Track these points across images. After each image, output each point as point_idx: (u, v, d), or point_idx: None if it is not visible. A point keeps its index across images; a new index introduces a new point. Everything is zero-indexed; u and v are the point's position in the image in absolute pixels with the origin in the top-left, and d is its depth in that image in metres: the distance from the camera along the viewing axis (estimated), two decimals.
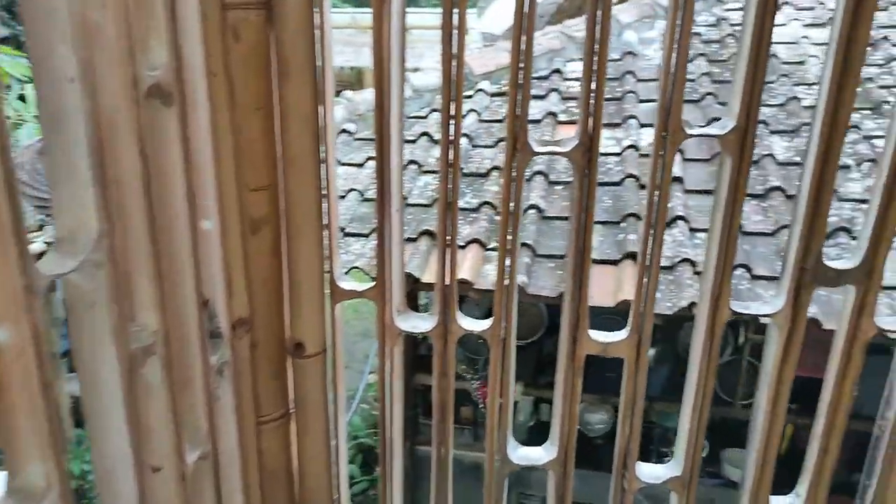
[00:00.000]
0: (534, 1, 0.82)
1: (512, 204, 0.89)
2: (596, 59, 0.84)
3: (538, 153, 0.89)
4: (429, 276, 2.48)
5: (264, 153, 0.90)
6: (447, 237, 0.93)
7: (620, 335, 0.95)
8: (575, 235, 0.91)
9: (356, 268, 2.54)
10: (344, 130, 3.29)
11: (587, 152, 0.87)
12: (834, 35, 0.79)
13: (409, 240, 2.67)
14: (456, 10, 0.83)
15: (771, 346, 0.93)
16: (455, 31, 0.85)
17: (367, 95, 3.61)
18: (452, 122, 0.87)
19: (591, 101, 0.87)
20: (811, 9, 4.44)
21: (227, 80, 0.83)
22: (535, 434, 4.03)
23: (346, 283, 0.97)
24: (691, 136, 0.85)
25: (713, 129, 0.85)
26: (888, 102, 3.47)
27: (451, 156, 0.88)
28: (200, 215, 0.80)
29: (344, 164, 3.15)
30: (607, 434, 4.08)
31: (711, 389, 0.95)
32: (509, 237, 0.91)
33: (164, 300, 0.71)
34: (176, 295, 0.74)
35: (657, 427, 4.04)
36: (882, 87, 3.60)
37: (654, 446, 4.08)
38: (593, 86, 0.86)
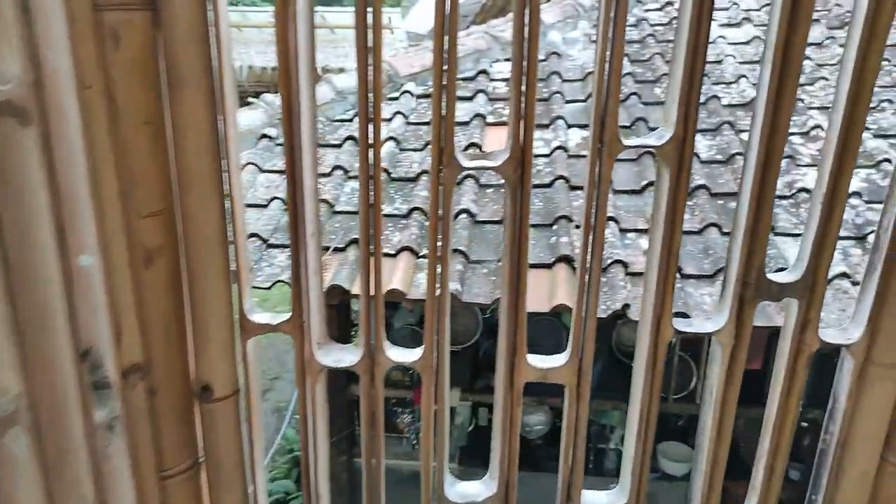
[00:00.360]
0: (455, 1, 0.75)
1: (440, 237, 0.81)
2: (525, 64, 0.77)
3: (467, 168, 0.81)
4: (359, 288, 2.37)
5: (156, 174, 0.79)
6: (370, 248, 0.84)
7: (560, 360, 0.88)
8: (509, 251, 0.84)
9: (281, 281, 2.41)
10: (265, 136, 3.14)
11: (519, 166, 0.80)
12: (768, 56, 0.75)
13: (338, 249, 2.56)
14: (370, 9, 0.75)
15: (714, 365, 0.89)
16: (370, 30, 0.76)
17: None
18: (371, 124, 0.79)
19: (522, 107, 0.80)
20: (726, 9, 4.58)
21: (105, 92, 0.72)
22: (475, 439, 3.99)
23: (259, 316, 0.87)
24: (628, 147, 0.79)
25: (650, 140, 0.80)
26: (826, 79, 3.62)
27: (371, 160, 0.80)
28: (76, 250, 0.68)
29: (265, 171, 3.00)
30: (546, 435, 4.09)
31: (656, 415, 0.90)
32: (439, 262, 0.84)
33: (28, 357, 0.60)
34: (44, 348, 0.63)
35: (594, 425, 4.07)
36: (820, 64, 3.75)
37: (592, 444, 4.11)
38: (529, 92, 0.79)
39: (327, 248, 2.51)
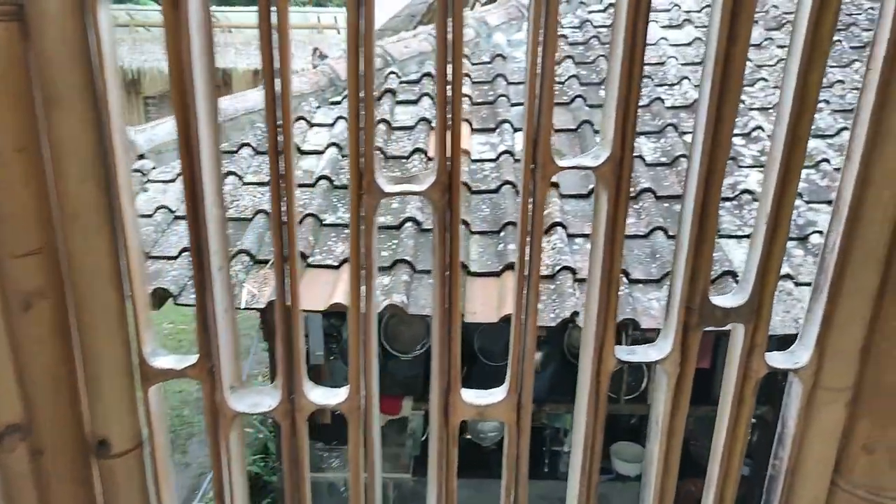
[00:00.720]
0: (371, 11, 0.68)
1: (364, 271, 0.74)
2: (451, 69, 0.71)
3: (389, 194, 0.74)
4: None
5: (33, 206, 0.69)
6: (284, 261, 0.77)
7: (498, 395, 0.82)
8: (440, 292, 0.78)
9: None
10: None
11: (447, 191, 0.73)
12: (708, 71, 0.70)
13: None
14: (274, 9, 0.67)
15: (660, 393, 0.84)
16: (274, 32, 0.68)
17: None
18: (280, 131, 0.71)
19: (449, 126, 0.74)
20: (667, 10, 4.62)
21: None
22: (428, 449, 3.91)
23: (161, 361, 0.77)
24: (563, 168, 0.73)
25: (586, 160, 0.74)
26: (766, 79, 3.67)
27: (282, 168, 0.72)
28: None
29: None
30: (501, 441, 4.05)
31: (600, 448, 0.84)
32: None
33: None
34: None
35: (548, 428, 4.05)
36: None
37: (547, 447, 4.09)
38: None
39: (268, 262, 2.40)
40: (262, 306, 2.25)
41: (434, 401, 0.83)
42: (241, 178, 2.87)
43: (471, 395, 0.82)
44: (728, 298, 0.80)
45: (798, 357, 0.83)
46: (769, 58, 4.12)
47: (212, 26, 0.69)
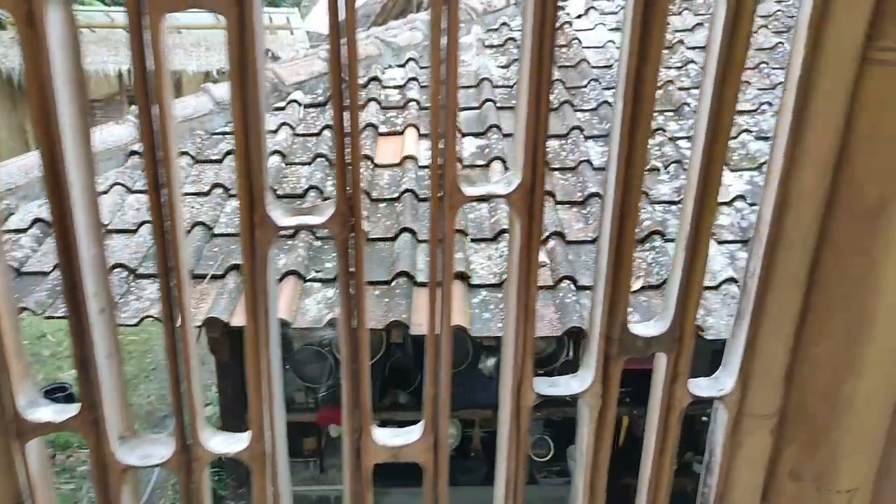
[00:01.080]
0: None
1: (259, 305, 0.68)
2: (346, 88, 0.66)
3: (284, 228, 0.69)
4: (239, 319, 2.19)
5: None
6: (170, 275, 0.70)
7: (413, 435, 0.77)
8: (345, 321, 0.72)
9: (150, 316, 2.19)
10: (134, 152, 2.88)
11: (348, 223, 0.68)
12: (622, 73, 0.67)
13: (216, 276, 2.36)
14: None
15: (583, 427, 0.81)
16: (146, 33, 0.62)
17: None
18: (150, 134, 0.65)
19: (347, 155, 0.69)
20: (614, 13, 4.65)
21: None
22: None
23: (38, 413, 0.70)
24: (471, 199, 0.69)
25: (497, 188, 0.70)
26: (688, 104, 3.69)
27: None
28: None
29: (135, 192, 2.75)
30: (455, 448, 4.02)
31: (523, 486, 0.80)
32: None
33: None
34: None
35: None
36: (681, 88, 3.82)
37: (486, 453, 4.08)
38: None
39: (205, 276, 2.31)
40: (199, 324, 2.16)
41: (345, 443, 0.78)
42: None
43: (384, 435, 0.78)
44: (649, 327, 0.77)
45: (722, 384, 0.81)
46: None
47: (79, 43, 0.63)
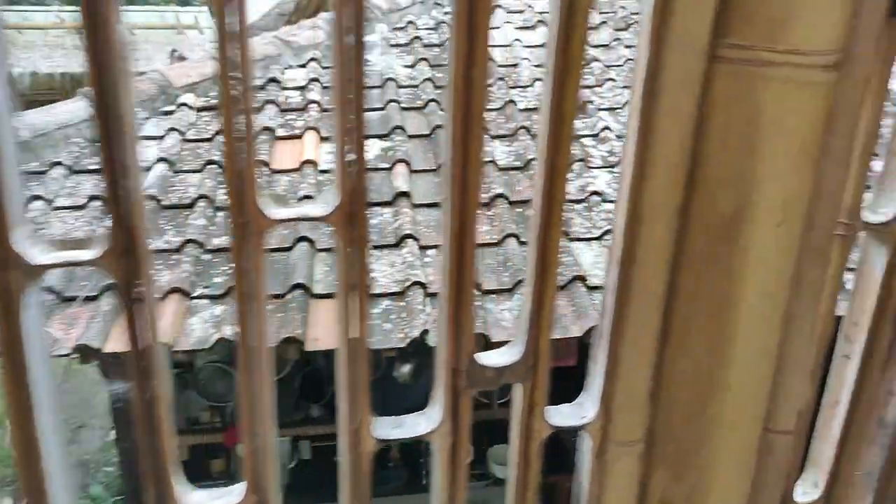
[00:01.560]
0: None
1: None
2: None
3: (47, 266, 0.57)
4: (114, 345, 2.01)
5: None
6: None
7: (234, 496, 0.67)
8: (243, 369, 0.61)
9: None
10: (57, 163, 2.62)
11: (124, 256, 0.57)
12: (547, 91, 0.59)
13: (90, 298, 2.17)
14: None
15: (435, 468, 0.73)
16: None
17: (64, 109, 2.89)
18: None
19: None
20: (521, 12, 4.66)
21: None
22: (300, 475, 3.71)
23: None
24: (279, 221, 0.60)
25: (314, 209, 0.61)
26: (591, 102, 3.72)
27: None
28: None
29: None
30: (374, 457, 3.91)
31: None
32: None
33: None
34: None
35: (423, 442, 3.95)
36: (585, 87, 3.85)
37: (424, 459, 4.00)
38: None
39: (75, 298, 2.11)
40: (67, 351, 1.97)
41: None
42: (50, 202, 2.53)
43: (201, 497, 0.67)
44: (499, 356, 0.70)
45: (585, 410, 0.75)
46: (617, 58, 4.23)
47: None
